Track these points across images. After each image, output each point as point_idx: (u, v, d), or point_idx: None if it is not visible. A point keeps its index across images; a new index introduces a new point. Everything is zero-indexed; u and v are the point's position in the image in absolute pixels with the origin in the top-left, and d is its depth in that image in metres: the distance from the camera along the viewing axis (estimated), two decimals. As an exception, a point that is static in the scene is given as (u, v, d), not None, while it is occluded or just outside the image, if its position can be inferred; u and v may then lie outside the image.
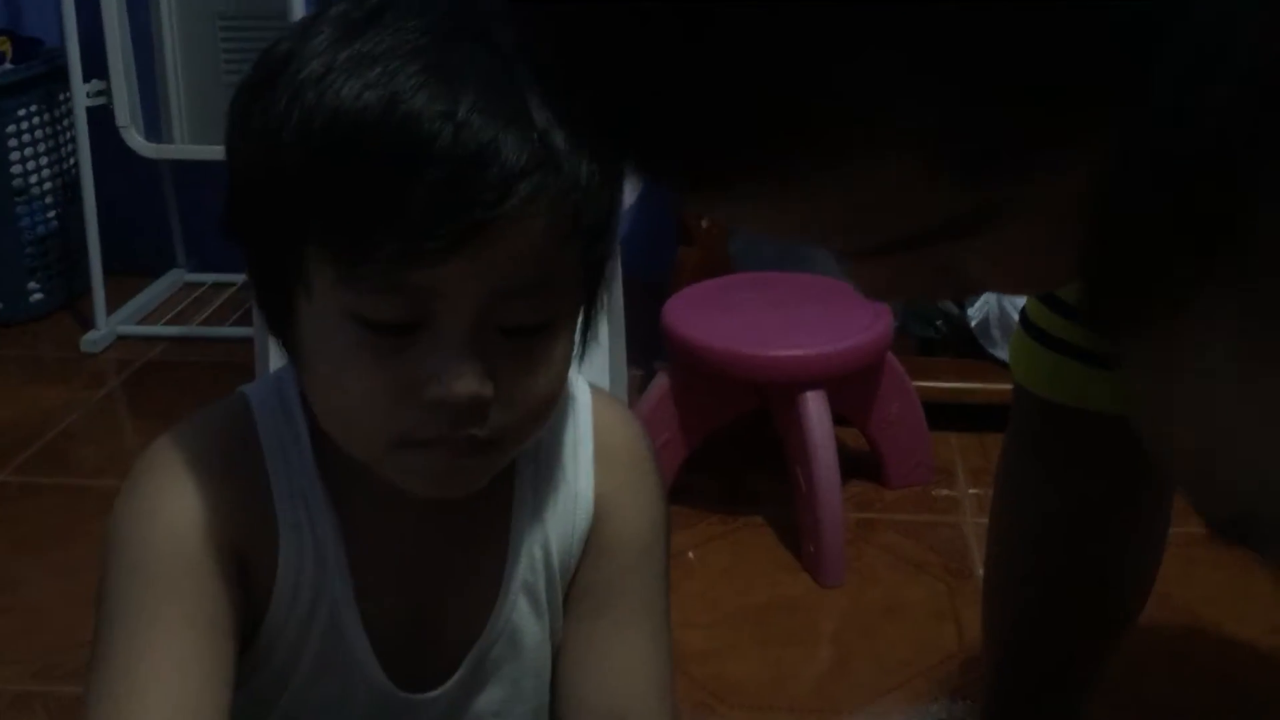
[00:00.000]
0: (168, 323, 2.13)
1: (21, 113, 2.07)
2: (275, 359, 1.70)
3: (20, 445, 1.75)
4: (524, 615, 0.63)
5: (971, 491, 1.61)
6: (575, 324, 0.56)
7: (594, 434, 0.64)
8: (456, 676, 0.63)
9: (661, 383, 1.54)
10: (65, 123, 2.12)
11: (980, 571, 1.16)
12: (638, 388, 1.77)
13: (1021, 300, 0.93)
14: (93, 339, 2.05)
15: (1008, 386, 0.90)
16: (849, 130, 0.29)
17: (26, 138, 2.08)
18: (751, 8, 0.28)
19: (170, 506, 0.56)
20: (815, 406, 1.43)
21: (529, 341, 0.54)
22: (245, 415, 0.59)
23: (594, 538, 0.64)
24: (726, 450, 1.64)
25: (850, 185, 0.30)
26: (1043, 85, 0.29)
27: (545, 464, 0.63)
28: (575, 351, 0.57)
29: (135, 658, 0.53)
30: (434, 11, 0.52)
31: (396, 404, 0.53)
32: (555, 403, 0.58)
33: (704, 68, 0.29)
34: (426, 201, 0.48)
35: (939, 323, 1.79)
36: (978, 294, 1.72)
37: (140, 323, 2.12)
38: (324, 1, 0.54)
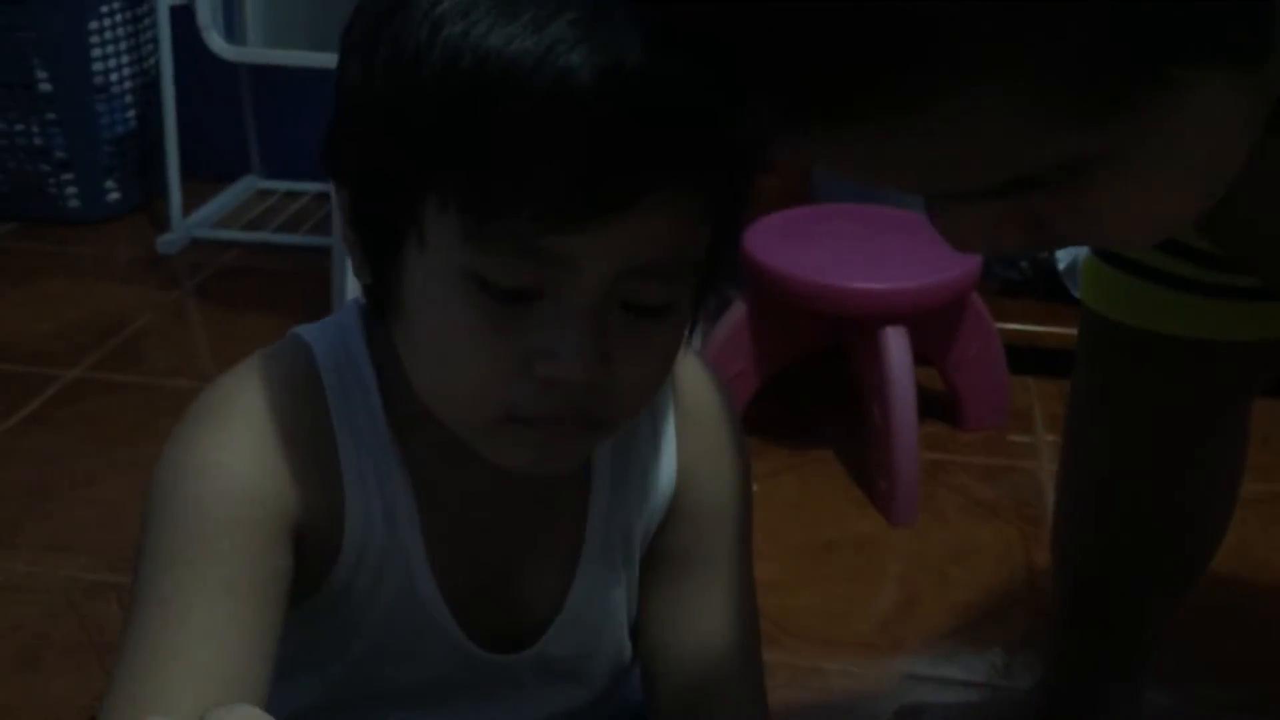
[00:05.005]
0: (242, 228, 2.14)
1: (105, 9, 2.06)
2: (352, 277, 1.68)
3: (95, 343, 1.77)
4: (603, 585, 0.61)
5: (1048, 438, 1.57)
6: (692, 302, 0.52)
7: (676, 399, 0.62)
8: (539, 644, 0.61)
9: (738, 311, 1.51)
10: (148, 21, 2.11)
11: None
12: (711, 315, 1.74)
13: None
14: (168, 241, 2.06)
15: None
16: (975, 54, 0.30)
17: (109, 34, 2.08)
18: None
19: (221, 465, 0.52)
20: (896, 342, 1.39)
21: (649, 321, 0.50)
22: (307, 364, 0.55)
23: (676, 504, 0.61)
24: (797, 382, 1.61)
25: (969, 118, 0.31)
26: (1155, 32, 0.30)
27: (626, 430, 0.59)
28: (687, 330, 0.53)
29: (163, 628, 0.49)
30: None
31: (506, 377, 0.49)
32: (664, 382, 0.54)
33: None
34: (577, 165, 0.44)
35: (1023, 264, 1.73)
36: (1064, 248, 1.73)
37: (215, 226, 2.13)
38: None
